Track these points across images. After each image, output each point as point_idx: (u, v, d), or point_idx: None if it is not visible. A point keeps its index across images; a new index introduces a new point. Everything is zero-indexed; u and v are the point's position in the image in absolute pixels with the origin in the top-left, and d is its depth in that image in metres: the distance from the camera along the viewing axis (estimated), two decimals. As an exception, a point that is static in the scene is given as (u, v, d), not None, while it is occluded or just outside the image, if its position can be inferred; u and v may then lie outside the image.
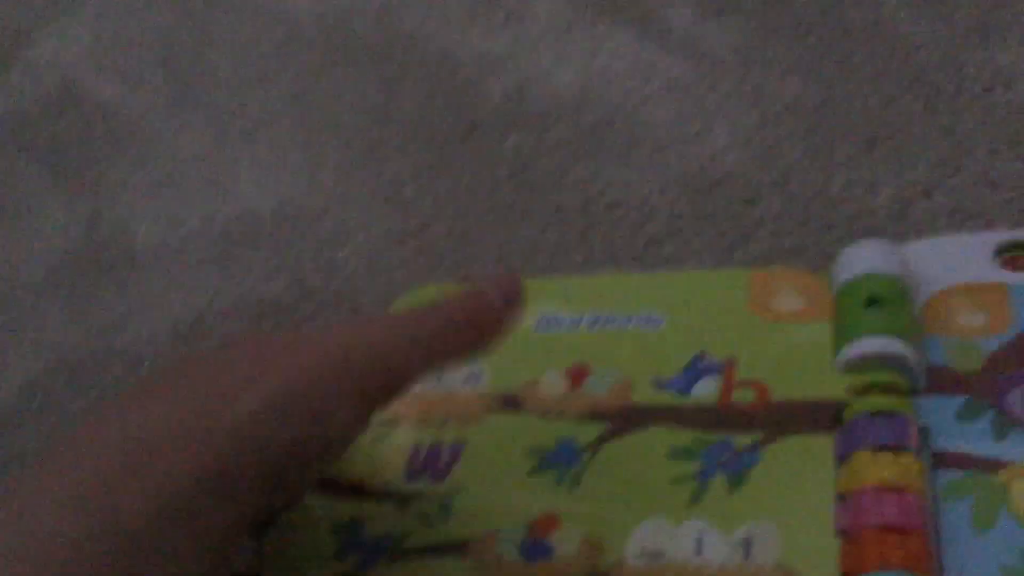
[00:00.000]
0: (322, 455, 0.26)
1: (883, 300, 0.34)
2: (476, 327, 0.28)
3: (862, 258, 0.36)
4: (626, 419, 0.35)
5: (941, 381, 0.33)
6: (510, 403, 0.36)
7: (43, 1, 0.78)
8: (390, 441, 0.36)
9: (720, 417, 0.34)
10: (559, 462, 0.34)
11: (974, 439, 0.31)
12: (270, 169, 0.59)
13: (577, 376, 0.37)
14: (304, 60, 0.65)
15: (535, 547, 0.31)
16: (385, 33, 0.64)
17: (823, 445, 0.31)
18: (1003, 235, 0.39)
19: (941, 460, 0.31)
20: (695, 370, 0.35)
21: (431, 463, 0.35)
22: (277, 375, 0.24)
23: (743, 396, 0.34)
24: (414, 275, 0.51)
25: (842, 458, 0.31)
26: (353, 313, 0.51)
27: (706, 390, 0.34)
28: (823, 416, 0.32)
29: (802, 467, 0.31)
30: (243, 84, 0.64)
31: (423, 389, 0.36)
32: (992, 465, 0.30)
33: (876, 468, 0.30)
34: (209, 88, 0.65)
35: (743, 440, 0.33)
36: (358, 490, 0.35)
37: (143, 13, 0.73)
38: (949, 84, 0.50)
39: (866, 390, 0.32)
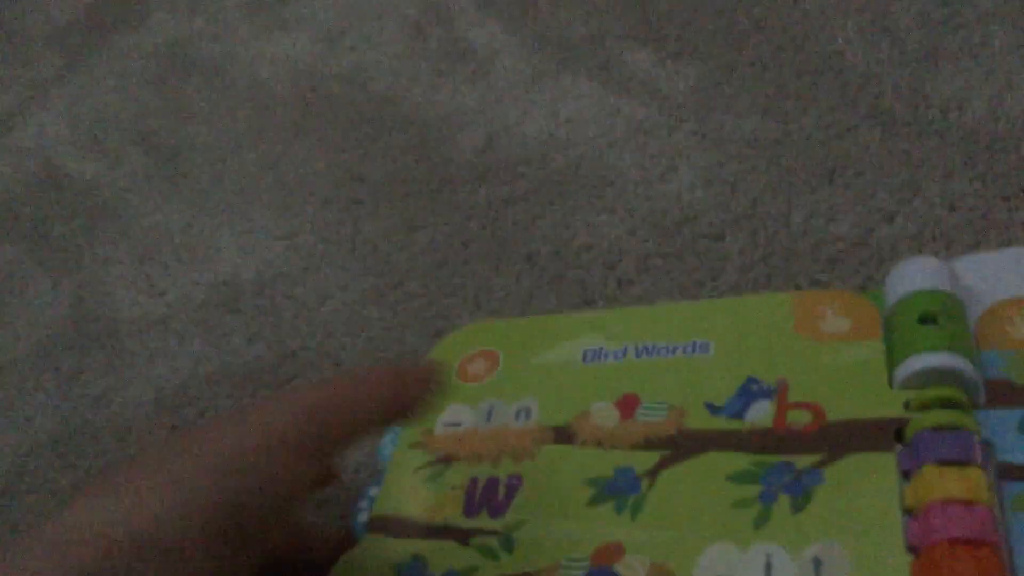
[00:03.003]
0: (272, 508, 0.28)
1: (937, 316, 0.34)
2: (400, 396, 0.31)
3: (913, 275, 0.36)
4: (682, 445, 0.34)
5: (1000, 394, 0.33)
6: (563, 436, 0.36)
7: (21, 87, 0.81)
8: (445, 478, 0.36)
9: (777, 439, 0.33)
10: (618, 491, 0.34)
11: (1039, 450, 0.29)
12: (249, 236, 0.56)
13: (627, 406, 0.36)
14: (278, 126, 0.62)
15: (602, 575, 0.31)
16: (356, 96, 0.62)
17: (886, 462, 0.31)
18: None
19: (1007, 472, 0.30)
20: (747, 394, 0.35)
21: (489, 498, 0.35)
22: (221, 439, 0.28)
23: (798, 418, 0.33)
24: (392, 330, 0.49)
25: (907, 474, 0.31)
26: (336, 369, 0.52)
27: (760, 413, 0.34)
28: (883, 434, 0.32)
29: (866, 485, 0.31)
30: (220, 154, 0.62)
31: (474, 427, 0.37)
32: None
33: (943, 482, 0.29)
34: (187, 161, 0.63)
35: (804, 461, 0.32)
36: (418, 529, 0.35)
37: (119, 91, 0.70)
38: (904, 111, 0.48)
39: (927, 406, 0.32)
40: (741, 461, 0.34)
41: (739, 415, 0.35)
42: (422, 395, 0.32)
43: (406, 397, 0.32)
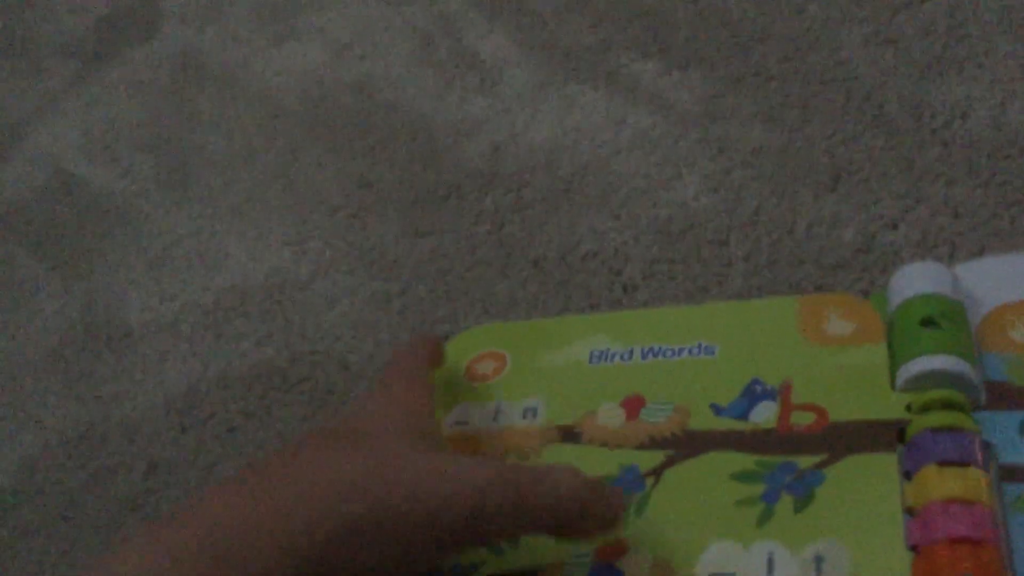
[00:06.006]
0: None
1: (939, 319, 0.34)
2: (579, 522, 0.30)
3: (915, 279, 0.36)
4: (686, 445, 0.34)
5: (1001, 397, 0.33)
6: (569, 435, 0.37)
7: (35, 96, 0.81)
8: None
9: (780, 440, 0.33)
10: (623, 489, 0.34)
11: (1039, 452, 0.30)
12: (258, 242, 0.57)
13: (633, 406, 0.37)
14: (288, 135, 0.63)
15: (605, 572, 0.32)
16: (364, 104, 0.63)
17: (887, 463, 0.32)
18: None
19: (1008, 474, 0.31)
20: (751, 395, 0.35)
21: None
22: (362, 503, 0.27)
23: (801, 419, 0.34)
24: (399, 334, 0.49)
25: (908, 474, 0.31)
26: (343, 371, 0.53)
27: (764, 415, 0.35)
28: (884, 435, 0.32)
29: (867, 485, 0.31)
30: (230, 162, 0.63)
31: (482, 426, 0.38)
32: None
33: (944, 482, 0.30)
34: (197, 168, 0.63)
35: (806, 461, 0.32)
36: None
37: (132, 101, 0.71)
38: (908, 119, 0.49)
39: (928, 407, 0.32)
40: (745, 461, 0.34)
41: (743, 416, 0.35)
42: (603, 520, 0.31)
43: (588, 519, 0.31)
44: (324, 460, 0.29)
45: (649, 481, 0.34)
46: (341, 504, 0.27)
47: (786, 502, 0.32)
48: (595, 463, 0.35)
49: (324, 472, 0.28)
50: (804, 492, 0.32)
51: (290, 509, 0.27)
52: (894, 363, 0.35)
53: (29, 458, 0.51)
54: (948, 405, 0.32)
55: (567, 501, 0.29)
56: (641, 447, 0.35)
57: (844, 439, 0.33)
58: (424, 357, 0.37)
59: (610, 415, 0.37)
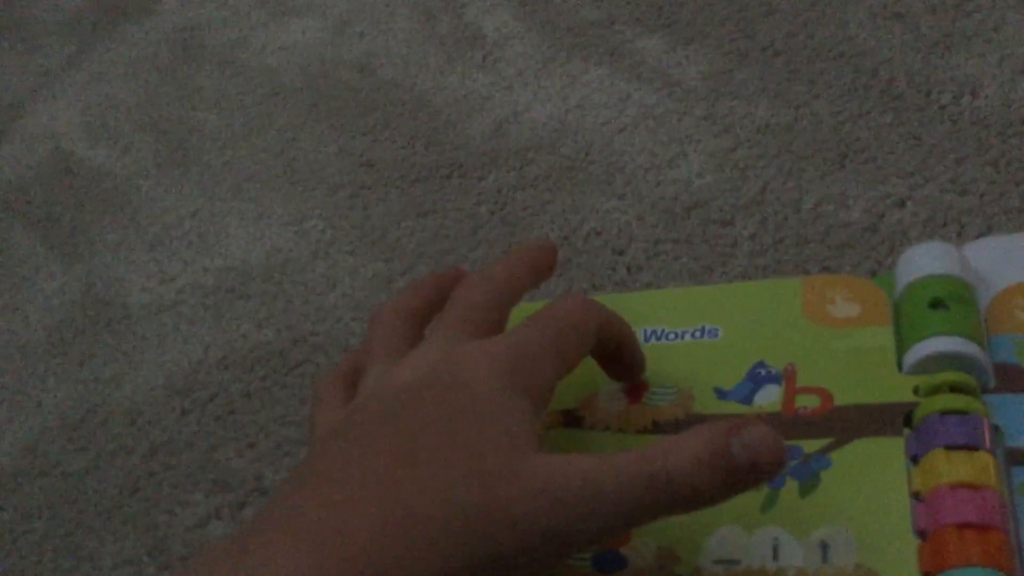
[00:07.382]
0: None
1: (947, 301, 0.33)
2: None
3: (923, 260, 0.35)
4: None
5: (1010, 379, 0.32)
6: (571, 419, 0.36)
7: (32, 74, 0.77)
8: None
9: (785, 424, 0.33)
10: None
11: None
12: (259, 221, 0.56)
13: (636, 390, 0.36)
14: (288, 113, 0.63)
15: (609, 559, 0.31)
16: (366, 82, 0.62)
17: (894, 447, 0.31)
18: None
19: (1015, 457, 0.30)
20: (756, 379, 0.35)
21: None
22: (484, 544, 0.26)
23: (807, 402, 0.33)
24: None
25: (915, 458, 0.31)
26: (344, 352, 0.52)
27: (769, 398, 0.34)
28: (891, 418, 0.32)
29: (874, 469, 0.31)
30: (230, 141, 0.62)
31: None
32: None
33: (951, 467, 0.29)
34: (197, 147, 0.63)
35: (812, 446, 0.32)
36: None
37: (131, 79, 0.70)
38: (916, 96, 0.48)
39: (936, 390, 0.32)
40: None
41: (747, 399, 0.35)
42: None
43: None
44: (420, 481, 0.26)
45: None
46: (465, 546, 0.26)
47: (791, 487, 0.32)
48: (598, 448, 0.35)
49: (431, 504, 0.26)
50: (809, 477, 0.32)
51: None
52: (901, 345, 0.34)
53: (29, 441, 0.51)
54: (957, 388, 0.32)
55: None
56: (644, 431, 0.35)
57: (850, 423, 0.32)
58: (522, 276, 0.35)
59: (612, 399, 0.36)
